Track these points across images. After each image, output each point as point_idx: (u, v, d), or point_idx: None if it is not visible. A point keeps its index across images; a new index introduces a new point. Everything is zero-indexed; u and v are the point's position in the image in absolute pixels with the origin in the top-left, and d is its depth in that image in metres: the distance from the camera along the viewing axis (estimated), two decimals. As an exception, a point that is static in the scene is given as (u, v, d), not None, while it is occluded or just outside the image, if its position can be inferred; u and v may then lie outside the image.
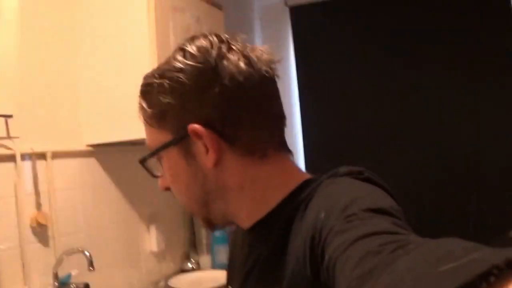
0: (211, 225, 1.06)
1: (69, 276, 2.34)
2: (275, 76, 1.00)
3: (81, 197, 2.59)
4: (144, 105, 1.00)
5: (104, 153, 2.74)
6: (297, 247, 0.87)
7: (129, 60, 2.54)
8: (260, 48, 0.99)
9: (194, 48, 0.95)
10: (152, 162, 1.05)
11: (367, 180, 0.92)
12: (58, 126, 2.50)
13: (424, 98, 4.01)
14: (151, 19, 2.51)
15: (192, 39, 0.97)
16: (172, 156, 0.99)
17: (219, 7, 3.09)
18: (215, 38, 0.96)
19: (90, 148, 2.67)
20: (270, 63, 0.98)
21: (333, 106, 4.33)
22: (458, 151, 3.89)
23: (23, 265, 2.19)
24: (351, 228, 0.70)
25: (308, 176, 1.02)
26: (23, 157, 2.24)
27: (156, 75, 0.97)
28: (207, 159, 0.94)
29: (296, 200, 0.94)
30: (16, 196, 2.20)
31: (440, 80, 3.94)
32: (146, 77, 1.00)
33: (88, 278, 2.37)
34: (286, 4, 4.50)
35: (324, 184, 0.93)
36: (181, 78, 0.93)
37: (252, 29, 4.61)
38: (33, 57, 2.36)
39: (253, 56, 0.96)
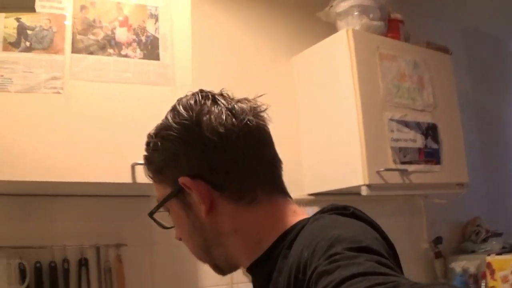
0: (219, 270, 1.11)
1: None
2: (262, 124, 1.05)
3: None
4: (145, 162, 1.09)
5: (323, 201, 2.85)
6: (281, 285, 0.89)
7: (338, 112, 2.69)
8: (247, 100, 1.06)
9: (181, 106, 1.03)
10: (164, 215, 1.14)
11: (352, 215, 0.92)
12: (284, 177, 2.70)
13: None
14: (354, 70, 2.62)
15: (180, 99, 1.06)
16: (174, 208, 1.06)
17: (445, 50, 3.01)
18: (199, 96, 1.04)
19: (311, 197, 2.84)
20: (255, 111, 1.04)
21: None
22: None
23: None
24: (336, 268, 0.69)
25: (303, 217, 1.02)
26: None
27: (152, 134, 1.07)
28: (201, 209, 1.00)
29: (286, 241, 0.97)
30: None
31: None
32: (147, 136, 1.09)
33: None
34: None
35: (309, 222, 0.94)
36: (170, 135, 1.01)
37: (501, 77, 4.34)
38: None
39: (237, 107, 1.02)
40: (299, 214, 1.03)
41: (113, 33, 2.00)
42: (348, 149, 2.63)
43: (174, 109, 1.04)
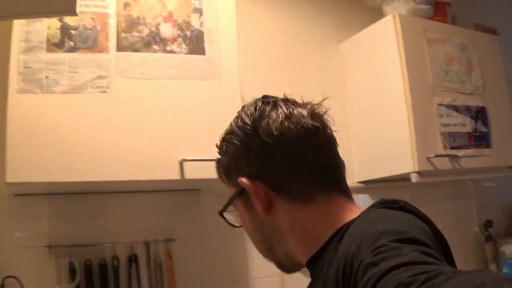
0: (282, 267, 1.16)
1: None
2: (320, 127, 1.07)
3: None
4: (217, 165, 1.16)
5: (373, 189, 2.83)
6: (331, 278, 0.90)
7: (387, 98, 2.64)
8: (308, 104, 1.10)
9: (243, 112, 1.09)
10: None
11: (401, 209, 0.92)
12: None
13: None
14: (402, 55, 2.57)
15: (243, 107, 1.12)
16: (239, 207, 1.13)
17: (492, 31, 2.92)
18: (259, 102, 1.09)
19: (361, 185, 2.81)
20: (314, 115, 1.07)
21: None
22: None
23: None
24: (382, 260, 0.71)
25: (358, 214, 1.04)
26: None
27: (221, 138, 1.14)
28: (258, 207, 1.05)
29: (338, 235, 0.99)
30: None
31: None
32: (219, 140, 1.15)
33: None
34: None
35: (358, 217, 0.96)
36: (233, 140, 1.08)
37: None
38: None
39: (296, 112, 1.06)
40: (356, 212, 1.03)
41: (157, 29, 1.99)
42: (397, 136, 2.58)
43: (238, 115, 1.11)
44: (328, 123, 1.10)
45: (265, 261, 2.46)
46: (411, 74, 2.56)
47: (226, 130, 1.13)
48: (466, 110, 2.77)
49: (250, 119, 1.06)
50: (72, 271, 2.05)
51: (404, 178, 2.61)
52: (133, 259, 2.22)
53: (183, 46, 2.01)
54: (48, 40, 1.83)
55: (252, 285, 2.49)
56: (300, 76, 2.81)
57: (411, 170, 2.54)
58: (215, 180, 2.10)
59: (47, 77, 1.81)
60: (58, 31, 1.85)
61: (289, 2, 2.91)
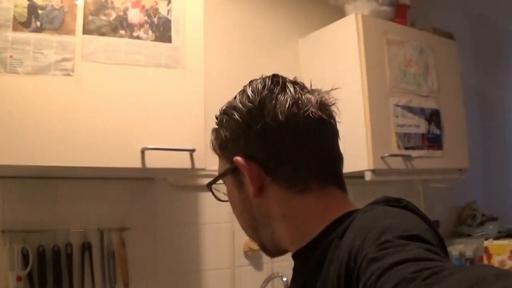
0: (266, 251, 1.13)
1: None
2: (326, 118, 1.04)
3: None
4: (213, 136, 1.12)
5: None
6: (333, 274, 0.89)
7: (344, 96, 2.65)
8: (318, 91, 1.07)
9: (250, 89, 1.05)
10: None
11: (405, 208, 0.92)
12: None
13: None
14: (362, 55, 2.60)
15: (251, 82, 1.08)
16: (229, 183, 1.10)
17: (450, 36, 2.99)
18: (269, 81, 1.05)
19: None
20: (321, 104, 1.04)
21: None
22: None
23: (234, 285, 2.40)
24: (386, 255, 0.71)
25: (354, 208, 1.03)
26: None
27: (222, 111, 1.10)
28: (250, 189, 1.03)
29: (337, 229, 0.97)
30: (231, 222, 2.51)
31: None
32: (219, 110, 1.12)
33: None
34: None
35: (361, 212, 0.95)
36: (234, 115, 1.04)
37: (504, 64, 4.38)
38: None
39: (304, 98, 1.03)
40: (350, 205, 1.03)
41: (125, 14, 1.95)
42: (353, 134, 2.61)
43: (244, 90, 1.07)
44: (334, 114, 1.08)
45: (216, 253, 2.51)
46: (369, 74, 2.61)
47: (228, 103, 1.09)
48: (421, 112, 2.83)
49: (256, 98, 1.03)
50: (25, 257, 1.99)
51: (358, 176, 2.65)
52: (86, 247, 2.17)
53: (150, 32, 1.99)
54: (15, 19, 1.77)
55: (203, 277, 2.49)
56: (260, 69, 2.74)
57: (366, 168, 2.59)
58: (172, 170, 2.13)
59: (11, 56, 1.75)
60: (26, 10, 1.79)
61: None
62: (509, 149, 4.44)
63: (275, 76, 1.07)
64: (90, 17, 1.88)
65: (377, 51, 2.67)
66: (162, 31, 2.02)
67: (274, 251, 1.12)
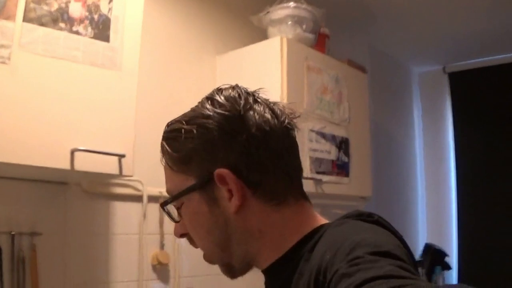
0: (231, 271, 1.06)
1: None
2: (295, 130, 1.05)
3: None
4: (169, 149, 1.02)
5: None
6: None
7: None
8: (281, 103, 1.06)
9: (222, 97, 1.00)
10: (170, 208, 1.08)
11: (376, 223, 0.92)
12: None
13: None
14: (284, 78, 2.66)
15: (220, 90, 1.03)
16: (194, 200, 1.01)
17: (362, 70, 3.14)
18: (242, 90, 1.02)
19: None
20: (292, 116, 1.04)
21: (492, 174, 4.24)
22: None
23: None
24: (357, 271, 0.70)
25: (324, 221, 1.02)
26: (150, 199, 2.46)
27: (184, 122, 1.01)
28: (231, 205, 0.97)
29: (308, 243, 0.96)
30: (140, 234, 2.40)
31: None
32: (172, 124, 1.04)
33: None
34: (444, 71, 4.57)
35: (332, 226, 0.94)
36: (208, 125, 0.97)
37: (410, 95, 4.70)
38: (151, 102, 2.55)
39: (276, 108, 1.02)
40: (320, 219, 1.03)
41: (67, 6, 1.87)
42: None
43: (212, 99, 1.01)
44: (296, 127, 1.06)
45: (126, 265, 2.44)
46: (289, 98, 2.64)
47: (194, 112, 1.02)
48: (332, 138, 2.93)
49: (234, 106, 0.98)
50: None
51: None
52: (-5, 251, 2.04)
53: (89, 29, 1.92)
54: (-50, -3, 1.66)
55: (112, 288, 2.41)
56: (176, 82, 2.77)
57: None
58: (99, 174, 2.05)
59: None
60: (-36, -10, 1.68)
61: (179, 7, 2.88)
62: (397, 178, 4.65)
63: (238, 86, 1.04)
64: (32, 5, 1.78)
65: (298, 76, 2.73)
66: (101, 29, 1.95)
67: (240, 270, 1.06)
